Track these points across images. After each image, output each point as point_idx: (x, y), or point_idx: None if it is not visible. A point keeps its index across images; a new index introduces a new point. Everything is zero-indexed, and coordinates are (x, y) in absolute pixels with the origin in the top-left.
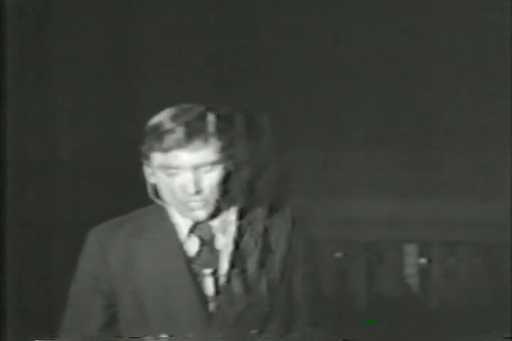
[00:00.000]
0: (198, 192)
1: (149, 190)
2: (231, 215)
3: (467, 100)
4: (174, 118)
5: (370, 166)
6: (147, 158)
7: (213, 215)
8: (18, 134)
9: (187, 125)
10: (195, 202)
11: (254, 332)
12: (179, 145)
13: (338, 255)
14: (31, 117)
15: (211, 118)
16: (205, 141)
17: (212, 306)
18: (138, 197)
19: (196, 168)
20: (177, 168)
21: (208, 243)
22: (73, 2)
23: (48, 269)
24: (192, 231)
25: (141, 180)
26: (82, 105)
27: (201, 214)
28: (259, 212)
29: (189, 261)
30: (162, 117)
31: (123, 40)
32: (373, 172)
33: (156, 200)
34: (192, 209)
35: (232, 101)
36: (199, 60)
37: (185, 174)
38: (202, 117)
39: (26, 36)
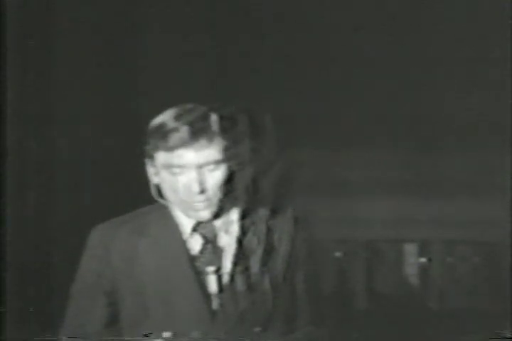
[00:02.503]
0: (202, 191)
1: (152, 190)
2: (233, 215)
3: (468, 100)
4: (177, 117)
5: (370, 166)
6: (151, 157)
7: (217, 215)
8: (17, 133)
9: (191, 124)
10: (199, 203)
11: (257, 330)
12: (184, 144)
13: (338, 254)
14: (31, 116)
15: (214, 117)
16: (210, 140)
17: (215, 304)
18: (140, 196)
19: (201, 167)
20: (181, 166)
21: (211, 241)
22: (74, 2)
23: (48, 267)
24: (195, 229)
25: (142, 179)
26: (83, 104)
27: (205, 214)
28: (262, 212)
29: (192, 259)
30: (165, 117)
31: (125, 40)
32: (373, 172)
33: (159, 200)
34: (196, 210)
35: (234, 101)
36: (200, 61)
37: (190, 173)
38: (205, 117)
39: (26, 34)
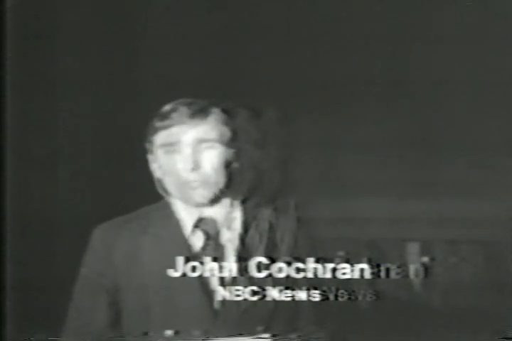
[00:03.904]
0: (195, 168)
1: (156, 184)
2: (236, 211)
3: (468, 99)
4: (177, 103)
5: (372, 165)
6: (150, 142)
7: (214, 201)
8: (18, 130)
9: (190, 106)
10: (195, 182)
11: (259, 329)
12: (181, 121)
13: (340, 254)
14: (32, 114)
15: (215, 110)
16: (206, 118)
17: (217, 302)
18: (142, 196)
19: (196, 144)
20: (178, 143)
21: (212, 238)
22: (75, 2)
23: (50, 267)
24: (197, 225)
25: (145, 179)
26: (84, 103)
27: (200, 195)
28: (264, 209)
29: (194, 256)
30: (166, 106)
31: (125, 39)
32: (375, 171)
33: (162, 194)
34: (191, 188)
35: (235, 97)
36: (202, 60)
37: (185, 149)
38: (205, 105)
39: (27, 34)
